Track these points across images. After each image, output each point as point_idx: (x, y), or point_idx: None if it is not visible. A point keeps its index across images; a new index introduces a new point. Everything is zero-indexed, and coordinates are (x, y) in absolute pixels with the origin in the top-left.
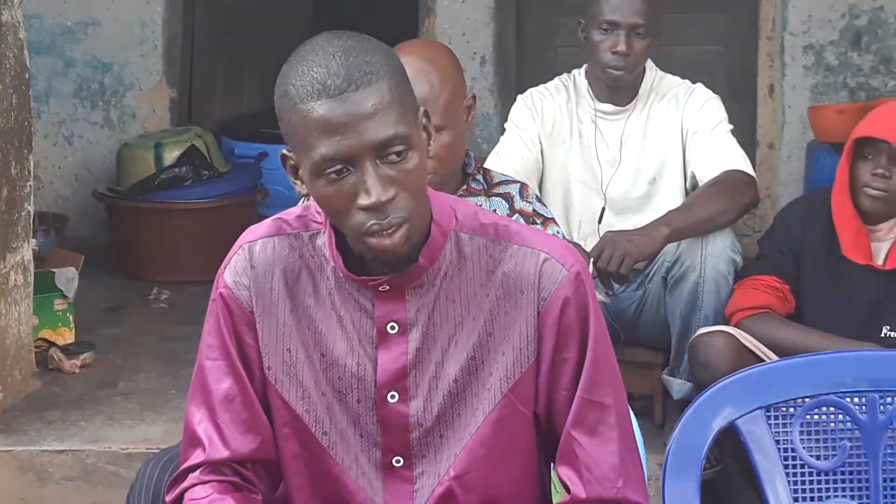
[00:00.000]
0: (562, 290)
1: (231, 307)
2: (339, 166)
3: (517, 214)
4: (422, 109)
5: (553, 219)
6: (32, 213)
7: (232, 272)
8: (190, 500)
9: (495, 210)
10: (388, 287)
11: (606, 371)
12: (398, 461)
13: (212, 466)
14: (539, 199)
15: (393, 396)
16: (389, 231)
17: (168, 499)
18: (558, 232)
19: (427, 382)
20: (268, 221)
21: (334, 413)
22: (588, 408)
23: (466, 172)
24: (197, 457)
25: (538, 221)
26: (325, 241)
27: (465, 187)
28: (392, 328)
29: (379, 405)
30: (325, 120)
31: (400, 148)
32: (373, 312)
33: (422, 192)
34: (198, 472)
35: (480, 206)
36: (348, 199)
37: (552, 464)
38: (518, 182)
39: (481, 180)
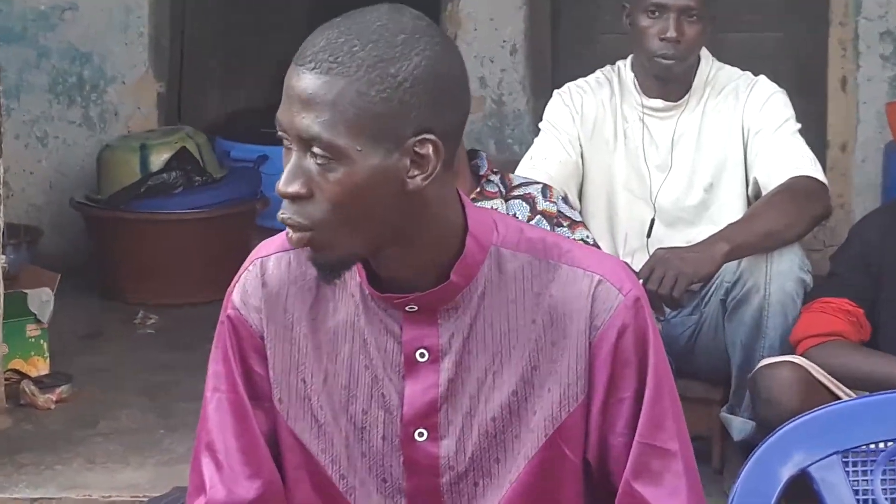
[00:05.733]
0: (617, 318)
1: (239, 331)
2: (284, 135)
3: (539, 216)
4: (426, 137)
5: (582, 222)
6: (1, 225)
7: (241, 291)
8: None
9: (515, 214)
10: (415, 307)
11: (670, 411)
12: None
13: None
14: (566, 200)
15: (421, 434)
16: (288, 229)
17: None
18: (588, 236)
19: (461, 419)
20: (283, 234)
21: (354, 453)
22: (650, 454)
23: (479, 175)
24: (199, 503)
25: (564, 224)
26: None
27: (478, 190)
28: (422, 355)
29: (405, 444)
30: (284, 81)
31: (321, 153)
32: (401, 337)
33: (342, 212)
34: None
35: (497, 209)
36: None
37: None
38: (540, 182)
39: (497, 183)
